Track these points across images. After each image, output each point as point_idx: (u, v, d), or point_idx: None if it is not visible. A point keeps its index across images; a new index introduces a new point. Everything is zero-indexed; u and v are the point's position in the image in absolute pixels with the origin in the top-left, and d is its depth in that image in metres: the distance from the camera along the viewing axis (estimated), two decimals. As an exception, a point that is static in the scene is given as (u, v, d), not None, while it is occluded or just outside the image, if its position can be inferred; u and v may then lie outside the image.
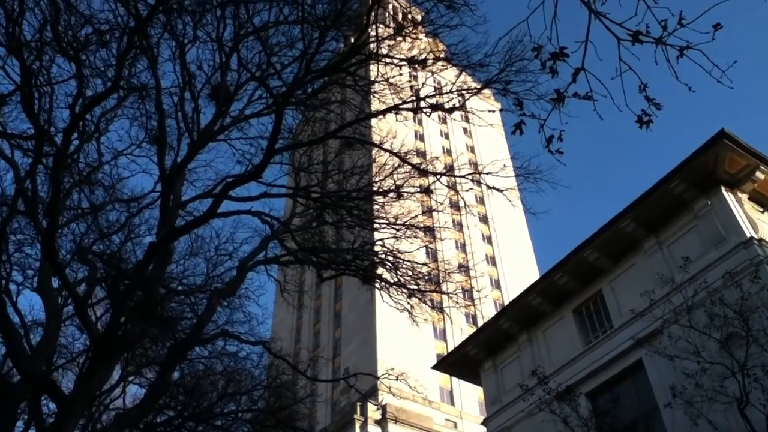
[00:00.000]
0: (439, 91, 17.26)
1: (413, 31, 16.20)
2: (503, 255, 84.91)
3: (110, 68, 15.29)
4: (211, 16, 16.03)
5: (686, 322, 15.73)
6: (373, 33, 15.75)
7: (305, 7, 15.45)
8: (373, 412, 54.35)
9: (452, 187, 19.42)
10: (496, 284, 79.88)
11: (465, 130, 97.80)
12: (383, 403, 52.52)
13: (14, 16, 13.46)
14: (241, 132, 18.51)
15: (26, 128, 16.56)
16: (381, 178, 17.75)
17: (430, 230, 21.24)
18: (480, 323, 47.47)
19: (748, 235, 18.55)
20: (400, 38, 16.35)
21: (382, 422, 53.98)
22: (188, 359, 22.16)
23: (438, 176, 17.61)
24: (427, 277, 18.71)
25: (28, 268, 19.41)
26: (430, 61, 16.48)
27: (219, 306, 18.34)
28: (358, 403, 54.22)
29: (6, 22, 13.64)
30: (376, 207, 18.16)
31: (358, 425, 54.24)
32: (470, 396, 63.50)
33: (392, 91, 16.74)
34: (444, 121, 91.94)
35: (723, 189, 20.20)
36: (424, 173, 18.11)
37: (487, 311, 61.96)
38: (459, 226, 78.52)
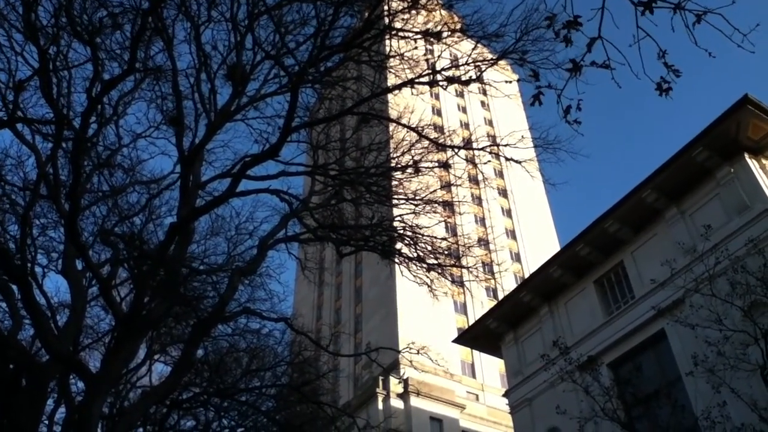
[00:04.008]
0: (455, 63, 17.07)
1: (428, 2, 16.00)
2: (523, 228, 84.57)
3: (125, 51, 15.32)
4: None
5: (708, 290, 15.65)
6: (387, 7, 15.58)
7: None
8: (395, 386, 54.76)
9: (471, 160, 19.32)
10: (517, 257, 79.66)
11: (483, 103, 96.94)
12: (405, 377, 52.86)
13: (30, 2, 13.51)
14: (258, 111, 18.52)
15: (45, 113, 16.68)
16: (399, 154, 17.68)
17: (449, 205, 21.15)
18: (501, 296, 47.50)
19: (772, 202, 18.36)
20: (414, 11, 16.16)
21: (404, 396, 54.40)
22: (212, 337, 22.44)
23: (456, 150, 17.51)
24: (446, 252, 18.68)
25: (53, 251, 19.68)
26: (445, 34, 16.27)
27: (240, 284, 18.50)
28: (380, 378, 54.60)
29: (23, 9, 13.71)
30: (394, 183, 18.11)
31: (380, 399, 54.71)
32: (492, 369, 63.80)
33: (408, 66, 16.60)
34: (461, 95, 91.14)
35: (746, 156, 19.94)
36: (442, 147, 18.00)
37: (507, 284, 61.89)
38: (478, 200, 78.19)
